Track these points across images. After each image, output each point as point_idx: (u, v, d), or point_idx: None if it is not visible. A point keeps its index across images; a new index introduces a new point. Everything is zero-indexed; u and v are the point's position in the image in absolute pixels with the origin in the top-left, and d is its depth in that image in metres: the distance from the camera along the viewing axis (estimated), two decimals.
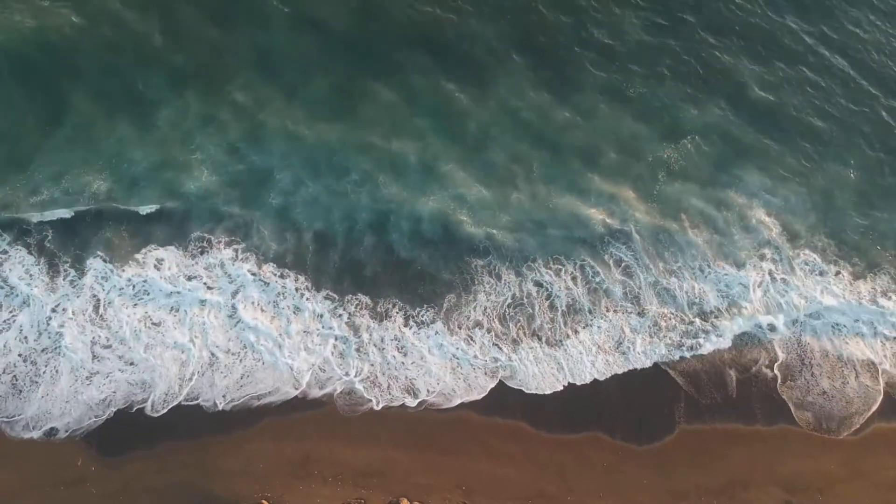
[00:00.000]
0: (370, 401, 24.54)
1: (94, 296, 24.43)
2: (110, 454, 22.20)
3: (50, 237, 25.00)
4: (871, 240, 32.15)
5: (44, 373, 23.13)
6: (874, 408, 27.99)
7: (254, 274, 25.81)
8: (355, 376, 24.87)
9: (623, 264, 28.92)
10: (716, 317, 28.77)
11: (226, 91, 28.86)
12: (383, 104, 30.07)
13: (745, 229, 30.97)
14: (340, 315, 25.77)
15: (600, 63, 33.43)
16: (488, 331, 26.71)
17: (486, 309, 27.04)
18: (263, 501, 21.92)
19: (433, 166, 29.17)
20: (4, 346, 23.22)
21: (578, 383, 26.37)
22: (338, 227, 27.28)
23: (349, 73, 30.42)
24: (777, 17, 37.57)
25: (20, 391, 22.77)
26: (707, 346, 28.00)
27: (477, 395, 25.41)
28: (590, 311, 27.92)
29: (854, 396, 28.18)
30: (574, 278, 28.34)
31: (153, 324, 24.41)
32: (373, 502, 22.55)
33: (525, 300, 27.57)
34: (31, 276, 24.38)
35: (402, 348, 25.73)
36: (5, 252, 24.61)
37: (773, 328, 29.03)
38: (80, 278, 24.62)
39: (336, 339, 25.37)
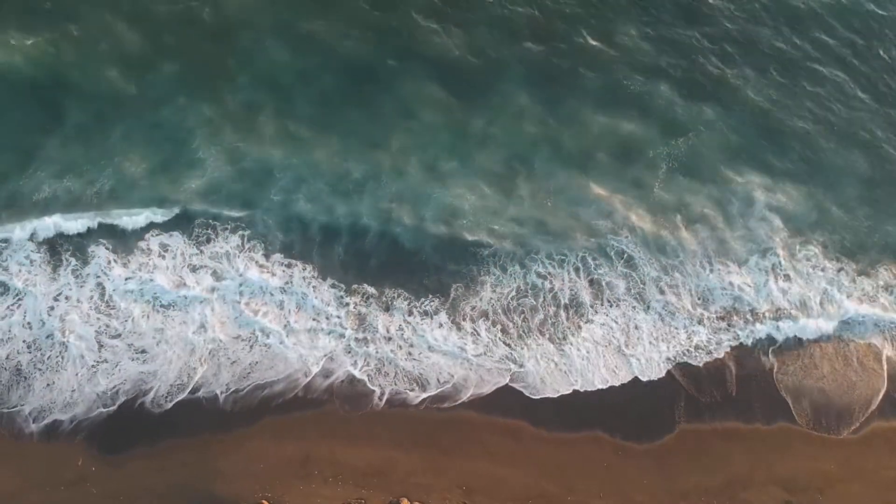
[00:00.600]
0: (374, 391, 24.62)
1: (100, 283, 24.43)
2: (111, 454, 22.14)
3: (52, 228, 24.99)
4: (874, 236, 32.16)
5: (48, 359, 23.11)
6: (881, 393, 28.11)
7: (261, 266, 25.87)
8: (361, 366, 25.00)
9: (626, 257, 29.00)
10: (721, 317, 28.76)
11: (227, 92, 28.80)
12: (384, 105, 30.01)
13: (746, 226, 30.96)
14: (347, 304, 25.88)
15: (600, 63, 33.32)
16: (493, 323, 26.80)
17: (491, 300, 27.16)
18: (264, 501, 21.91)
19: (434, 166, 29.10)
20: (8, 332, 23.21)
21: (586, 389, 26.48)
22: (342, 222, 27.37)
23: (349, 76, 30.42)
24: (778, 17, 37.51)
25: (23, 379, 22.77)
26: (721, 350, 28.12)
27: (487, 390, 25.49)
28: (596, 311, 27.95)
29: (857, 380, 28.24)
30: (588, 279, 28.45)
31: (160, 311, 24.45)
32: (373, 502, 22.54)
33: (530, 293, 27.70)
34: (31, 262, 24.35)
35: (407, 339, 25.83)
36: (6, 241, 24.57)
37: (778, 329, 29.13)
38: (82, 266, 24.60)
39: (342, 327, 25.45)
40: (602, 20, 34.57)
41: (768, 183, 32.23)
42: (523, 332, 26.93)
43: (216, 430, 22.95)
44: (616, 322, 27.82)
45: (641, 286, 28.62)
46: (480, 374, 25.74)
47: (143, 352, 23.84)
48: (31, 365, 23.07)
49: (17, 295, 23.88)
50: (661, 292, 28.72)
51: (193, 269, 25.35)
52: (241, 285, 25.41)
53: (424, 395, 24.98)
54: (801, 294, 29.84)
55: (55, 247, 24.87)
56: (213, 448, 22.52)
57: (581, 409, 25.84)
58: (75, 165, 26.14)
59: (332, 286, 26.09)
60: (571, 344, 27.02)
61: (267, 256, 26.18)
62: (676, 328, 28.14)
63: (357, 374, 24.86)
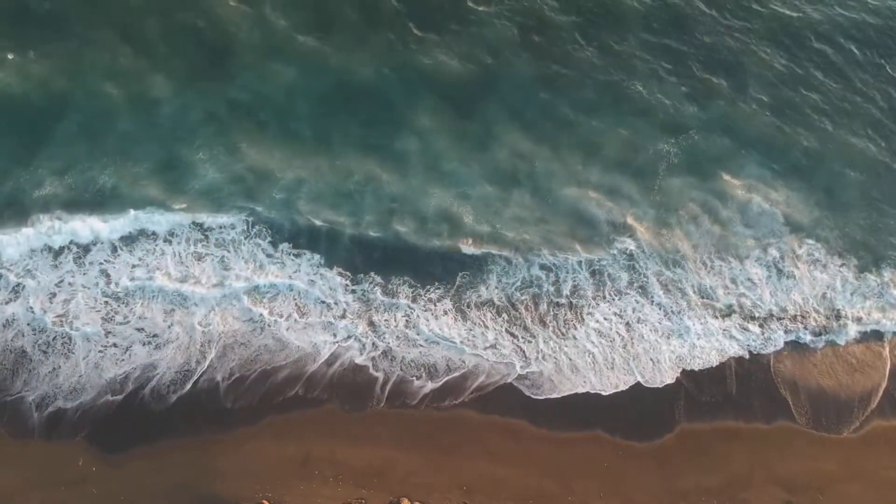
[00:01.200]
0: (377, 377, 24.80)
1: (104, 271, 24.38)
2: (111, 454, 22.09)
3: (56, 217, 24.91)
4: (876, 233, 32.19)
5: (53, 341, 23.19)
6: (880, 391, 28.10)
7: (269, 255, 25.93)
8: (368, 351, 25.22)
9: (628, 252, 29.05)
10: (725, 315, 28.80)
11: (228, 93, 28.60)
12: (384, 104, 29.82)
13: (748, 224, 30.94)
14: (353, 290, 26.04)
15: (601, 60, 33.16)
16: (499, 313, 26.99)
17: (496, 292, 27.32)
18: (264, 501, 21.93)
19: (436, 165, 29.00)
20: (11, 318, 23.23)
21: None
22: (345, 221, 27.36)
23: (349, 74, 30.19)
24: (779, 13, 37.41)
25: (28, 362, 22.84)
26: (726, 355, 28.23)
27: (494, 380, 25.65)
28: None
29: (857, 378, 28.41)
30: (590, 274, 28.56)
31: (167, 298, 24.54)
32: (374, 502, 22.56)
33: (534, 286, 27.85)
34: (32, 251, 24.30)
35: (413, 326, 25.97)
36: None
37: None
38: (84, 255, 24.53)
39: (349, 314, 25.64)
40: (603, 21, 34.54)
41: (769, 181, 32.21)
42: (530, 323, 27.05)
43: (217, 430, 22.91)
44: (619, 321, 27.89)
45: (644, 279, 28.66)
46: (488, 365, 25.92)
47: (155, 336, 23.97)
48: (37, 348, 23.13)
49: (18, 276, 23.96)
50: (666, 290, 28.70)
51: (199, 258, 25.40)
52: (249, 269, 25.53)
53: (430, 386, 25.11)
54: (802, 292, 29.81)
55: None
56: (214, 448, 22.50)
57: (581, 408, 25.85)
58: (76, 164, 25.97)
59: (339, 274, 26.17)
60: (576, 339, 27.13)
61: (274, 245, 26.17)
62: (682, 330, 28.12)
63: (360, 360, 25.04)
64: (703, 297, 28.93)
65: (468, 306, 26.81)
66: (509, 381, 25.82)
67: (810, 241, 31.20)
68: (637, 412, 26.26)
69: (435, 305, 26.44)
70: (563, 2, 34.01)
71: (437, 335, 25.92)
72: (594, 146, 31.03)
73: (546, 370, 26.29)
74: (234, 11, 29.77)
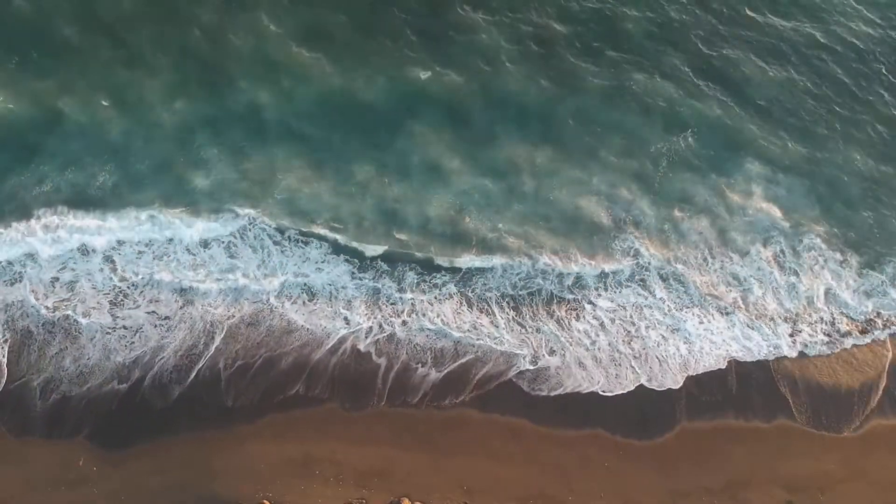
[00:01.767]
0: (380, 365, 25.04)
1: (109, 257, 24.52)
2: (111, 454, 22.09)
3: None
4: (877, 230, 32.21)
5: (58, 320, 23.33)
6: (880, 390, 28.18)
7: (276, 242, 26.07)
8: (375, 333, 25.52)
9: (632, 253, 29.07)
10: (728, 312, 28.84)
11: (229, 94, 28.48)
12: (385, 103, 29.69)
13: (749, 221, 30.96)
14: (361, 277, 26.21)
15: (602, 59, 33.09)
16: (504, 302, 27.21)
17: (501, 284, 27.51)
18: (265, 501, 21.94)
19: (438, 164, 28.89)
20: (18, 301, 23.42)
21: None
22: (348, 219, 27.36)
23: (351, 71, 30.03)
24: (779, 12, 37.33)
25: (34, 343, 22.96)
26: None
27: (500, 369, 25.86)
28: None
29: (856, 377, 28.45)
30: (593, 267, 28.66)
31: (175, 281, 24.79)
32: (374, 502, 22.58)
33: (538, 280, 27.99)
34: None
35: (422, 313, 26.16)
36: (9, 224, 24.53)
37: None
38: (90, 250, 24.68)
39: (355, 299, 25.91)
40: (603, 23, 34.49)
41: (770, 178, 32.17)
42: (535, 314, 27.23)
43: (217, 429, 22.92)
44: (622, 319, 27.95)
45: (646, 272, 28.71)
46: (494, 354, 26.08)
47: (167, 318, 24.25)
48: (44, 329, 23.25)
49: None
50: (667, 284, 28.66)
51: (206, 245, 25.54)
52: (259, 258, 25.71)
53: (434, 376, 25.21)
54: (804, 290, 29.84)
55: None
56: (214, 448, 22.50)
57: (581, 407, 25.88)
58: (78, 162, 25.88)
59: (346, 261, 26.28)
60: (580, 334, 27.27)
61: (281, 232, 26.28)
62: (685, 331, 28.16)
63: (364, 346, 25.19)
64: (705, 296, 28.90)
65: (473, 292, 26.96)
66: (513, 373, 25.96)
67: (812, 239, 31.15)
68: (637, 411, 26.30)
69: (440, 290, 26.60)
70: (562, 8, 33.99)
71: (442, 322, 26.05)
72: (595, 146, 31.04)
73: (553, 364, 26.35)
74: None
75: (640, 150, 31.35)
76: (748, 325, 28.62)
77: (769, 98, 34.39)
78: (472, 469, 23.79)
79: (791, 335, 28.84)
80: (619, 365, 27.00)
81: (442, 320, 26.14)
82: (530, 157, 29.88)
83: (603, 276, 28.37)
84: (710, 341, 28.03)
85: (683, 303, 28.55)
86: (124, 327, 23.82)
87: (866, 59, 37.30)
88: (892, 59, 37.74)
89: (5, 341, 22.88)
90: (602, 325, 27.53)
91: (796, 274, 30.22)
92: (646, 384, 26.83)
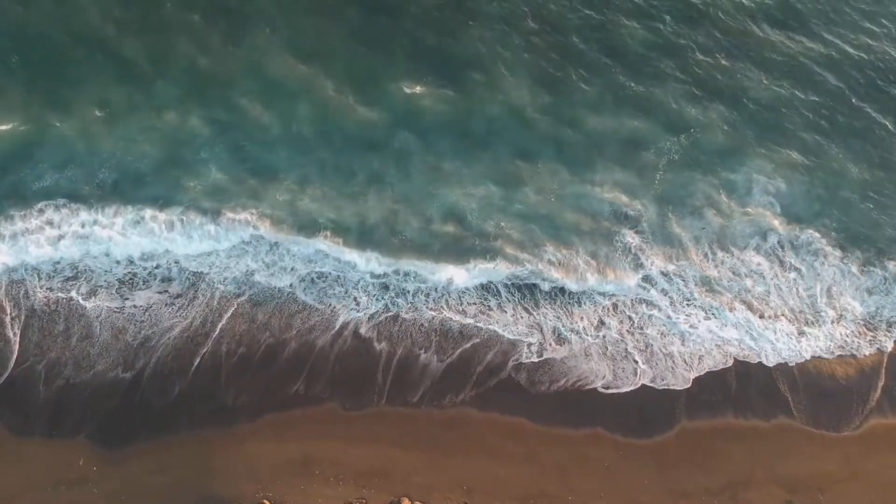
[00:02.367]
0: (380, 354, 25.26)
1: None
2: (112, 453, 22.09)
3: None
4: (878, 227, 32.24)
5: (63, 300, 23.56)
6: (879, 388, 28.25)
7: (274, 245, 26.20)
8: (380, 314, 25.84)
9: (633, 250, 29.06)
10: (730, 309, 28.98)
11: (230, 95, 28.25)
12: (387, 104, 29.57)
13: (749, 219, 30.95)
14: (368, 259, 26.34)
15: (603, 60, 33.02)
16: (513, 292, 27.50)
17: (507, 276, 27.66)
18: (265, 501, 21.96)
19: (439, 164, 28.81)
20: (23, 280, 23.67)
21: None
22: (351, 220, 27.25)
23: (352, 73, 29.92)
24: (779, 13, 37.36)
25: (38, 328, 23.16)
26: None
27: (504, 358, 26.11)
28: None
29: (855, 375, 28.57)
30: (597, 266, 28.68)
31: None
32: (374, 502, 22.61)
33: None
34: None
35: (426, 294, 26.52)
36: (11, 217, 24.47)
37: None
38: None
39: (362, 280, 26.18)
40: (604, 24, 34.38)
41: (770, 176, 32.14)
42: (539, 304, 27.44)
43: (217, 429, 22.91)
44: (626, 316, 28.11)
45: (649, 269, 28.73)
46: (499, 339, 26.32)
47: (179, 296, 24.58)
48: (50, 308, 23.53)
49: None
50: (669, 280, 28.72)
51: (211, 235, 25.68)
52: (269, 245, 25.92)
53: (436, 364, 25.33)
54: (807, 288, 29.88)
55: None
56: (214, 448, 22.51)
57: (581, 406, 25.89)
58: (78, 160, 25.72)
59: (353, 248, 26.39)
60: (584, 328, 27.50)
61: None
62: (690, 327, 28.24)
63: (365, 330, 25.36)
64: (706, 293, 28.94)
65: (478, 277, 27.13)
66: (517, 360, 26.13)
67: (813, 237, 31.16)
68: (637, 410, 26.33)
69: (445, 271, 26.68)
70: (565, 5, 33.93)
71: (447, 304, 26.35)
72: (597, 145, 30.99)
73: (560, 354, 26.52)
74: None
75: (642, 151, 31.33)
76: (752, 324, 28.64)
77: (769, 97, 34.44)
78: (472, 469, 23.80)
79: (797, 335, 28.85)
80: (626, 359, 27.03)
81: (447, 302, 26.35)
82: (531, 158, 29.87)
83: (605, 270, 28.45)
84: (714, 339, 28.04)
85: (687, 300, 28.55)
86: (133, 306, 24.08)
87: (866, 59, 37.31)
88: (890, 60, 37.84)
89: (15, 318, 23.05)
90: (603, 323, 27.57)
91: (798, 272, 30.22)
92: (653, 383, 26.91)
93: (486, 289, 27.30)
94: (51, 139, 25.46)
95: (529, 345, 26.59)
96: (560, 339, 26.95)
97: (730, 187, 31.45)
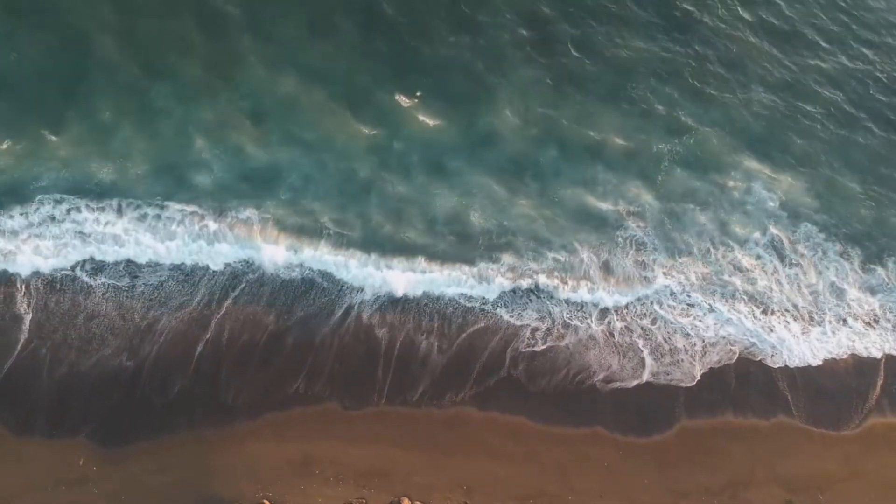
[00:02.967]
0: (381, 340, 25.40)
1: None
2: (112, 453, 22.07)
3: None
4: (878, 226, 32.32)
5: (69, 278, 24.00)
6: (878, 387, 28.30)
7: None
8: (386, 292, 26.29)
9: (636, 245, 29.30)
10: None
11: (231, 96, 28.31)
12: (388, 105, 29.56)
13: (751, 216, 30.98)
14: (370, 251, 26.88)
15: (605, 61, 33.17)
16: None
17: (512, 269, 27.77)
18: (265, 501, 21.95)
19: (441, 165, 28.80)
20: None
21: None
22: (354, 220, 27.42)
23: (353, 75, 29.93)
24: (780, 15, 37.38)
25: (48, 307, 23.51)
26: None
27: (507, 344, 26.31)
28: None
29: (854, 373, 28.61)
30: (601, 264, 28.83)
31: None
32: (374, 502, 22.60)
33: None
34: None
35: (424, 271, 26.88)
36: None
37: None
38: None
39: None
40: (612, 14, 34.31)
41: (770, 175, 32.18)
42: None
43: (217, 429, 22.88)
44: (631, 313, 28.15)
45: (652, 266, 28.77)
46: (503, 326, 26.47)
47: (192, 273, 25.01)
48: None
49: None
50: (671, 277, 28.78)
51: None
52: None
53: (436, 356, 25.38)
54: (810, 286, 29.89)
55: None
56: (214, 448, 22.49)
57: (581, 405, 25.86)
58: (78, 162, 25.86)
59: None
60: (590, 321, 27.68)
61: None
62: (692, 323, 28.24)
63: (368, 316, 25.51)
64: (708, 287, 28.94)
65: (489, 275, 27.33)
66: (521, 347, 26.22)
67: (814, 234, 31.18)
68: (637, 409, 26.28)
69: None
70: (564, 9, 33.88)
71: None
72: (599, 144, 31.02)
73: (566, 341, 26.65)
74: None
75: (643, 151, 31.36)
76: (756, 321, 28.68)
77: (770, 96, 34.40)
78: (472, 468, 23.78)
79: (801, 332, 28.87)
80: (630, 349, 27.11)
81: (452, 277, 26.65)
82: (533, 158, 29.90)
83: (608, 266, 28.50)
84: (720, 336, 28.07)
85: (690, 296, 28.56)
86: (144, 284, 24.43)
87: (866, 59, 37.35)
88: (890, 62, 37.85)
89: (26, 295, 23.43)
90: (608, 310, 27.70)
91: (800, 268, 30.24)
92: (658, 378, 26.92)
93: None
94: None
95: (534, 330, 26.70)
96: (564, 325, 27.01)
97: (731, 187, 31.44)
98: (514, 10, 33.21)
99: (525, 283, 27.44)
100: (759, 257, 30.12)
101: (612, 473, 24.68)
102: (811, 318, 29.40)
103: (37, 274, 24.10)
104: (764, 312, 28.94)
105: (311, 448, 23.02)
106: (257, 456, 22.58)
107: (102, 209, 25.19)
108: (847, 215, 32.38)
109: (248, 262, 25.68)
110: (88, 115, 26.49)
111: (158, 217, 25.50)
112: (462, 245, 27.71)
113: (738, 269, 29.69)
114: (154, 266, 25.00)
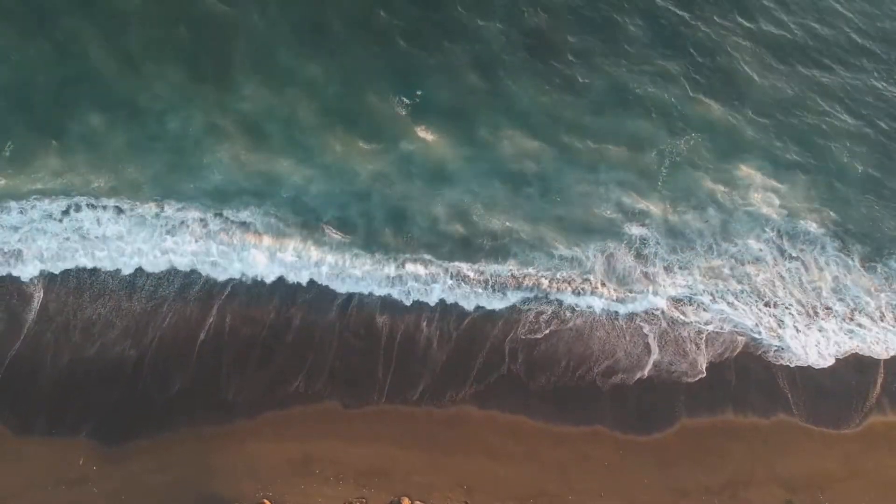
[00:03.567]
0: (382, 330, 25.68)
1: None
2: (112, 452, 22.10)
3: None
4: (878, 225, 32.27)
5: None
6: (878, 386, 28.29)
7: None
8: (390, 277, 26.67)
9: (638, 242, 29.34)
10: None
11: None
12: (389, 107, 29.49)
13: (751, 215, 30.94)
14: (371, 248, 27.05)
15: (606, 62, 33.11)
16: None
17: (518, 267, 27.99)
18: (265, 500, 21.95)
19: (442, 166, 28.76)
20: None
21: None
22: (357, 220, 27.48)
23: (354, 76, 29.88)
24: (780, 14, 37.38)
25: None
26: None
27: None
28: None
29: (854, 372, 28.57)
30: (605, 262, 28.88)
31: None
32: (374, 501, 22.60)
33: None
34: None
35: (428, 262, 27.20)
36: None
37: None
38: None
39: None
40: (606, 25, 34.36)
41: (771, 174, 32.12)
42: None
43: (217, 428, 22.89)
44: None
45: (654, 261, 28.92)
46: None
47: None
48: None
49: None
50: (672, 274, 28.72)
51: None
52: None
53: (436, 347, 25.54)
54: (812, 284, 29.86)
55: None
56: (214, 447, 22.50)
57: (581, 403, 25.86)
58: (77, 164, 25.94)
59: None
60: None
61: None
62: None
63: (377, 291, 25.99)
64: (710, 282, 28.94)
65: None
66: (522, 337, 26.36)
67: (813, 232, 31.15)
68: (637, 407, 26.26)
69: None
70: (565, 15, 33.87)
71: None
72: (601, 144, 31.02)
73: (573, 324, 26.91)
74: None
75: (643, 151, 31.32)
76: (760, 316, 28.70)
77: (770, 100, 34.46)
78: (472, 468, 23.78)
79: (803, 329, 28.88)
80: (636, 335, 27.31)
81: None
82: (535, 159, 29.83)
83: (610, 262, 28.57)
84: (727, 330, 28.14)
85: (692, 290, 28.61)
86: (144, 284, 24.74)
87: (866, 59, 37.29)
88: (890, 55, 37.88)
89: (26, 294, 23.61)
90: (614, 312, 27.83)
91: (803, 264, 30.24)
92: (662, 369, 27.02)
93: None
94: None
95: (539, 313, 26.84)
96: (569, 308, 27.24)
97: (733, 183, 31.46)
98: (513, 19, 33.14)
99: (528, 283, 27.59)
100: (759, 255, 30.07)
101: (612, 472, 24.68)
102: (815, 314, 29.35)
103: (35, 274, 24.10)
104: (767, 305, 28.97)
105: (311, 447, 23.03)
106: (257, 455, 22.59)
107: (104, 208, 25.31)
108: (847, 215, 32.33)
109: (245, 265, 25.71)
110: (85, 119, 26.60)
111: (157, 217, 25.50)
112: (466, 248, 27.80)
113: (741, 265, 29.65)
114: (154, 266, 25.01)
